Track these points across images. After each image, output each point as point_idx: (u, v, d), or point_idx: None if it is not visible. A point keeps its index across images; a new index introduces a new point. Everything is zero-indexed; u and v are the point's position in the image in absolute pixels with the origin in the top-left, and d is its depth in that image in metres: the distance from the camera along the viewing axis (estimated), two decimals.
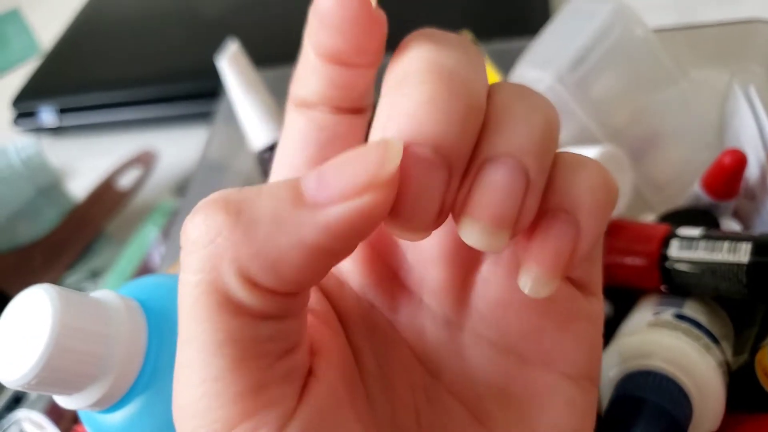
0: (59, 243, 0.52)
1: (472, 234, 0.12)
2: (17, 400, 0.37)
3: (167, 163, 0.58)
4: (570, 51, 0.33)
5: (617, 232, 0.29)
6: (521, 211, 0.13)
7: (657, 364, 0.24)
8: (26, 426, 0.33)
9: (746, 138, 0.32)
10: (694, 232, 0.27)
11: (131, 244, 0.50)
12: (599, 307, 0.16)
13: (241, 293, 0.12)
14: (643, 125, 0.35)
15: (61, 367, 0.19)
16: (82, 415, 0.23)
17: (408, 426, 0.15)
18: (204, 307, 0.12)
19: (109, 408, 0.21)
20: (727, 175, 0.30)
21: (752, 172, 0.31)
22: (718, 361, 0.25)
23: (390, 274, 0.16)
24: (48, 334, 0.19)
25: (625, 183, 0.32)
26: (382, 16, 0.13)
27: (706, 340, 0.25)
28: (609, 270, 0.27)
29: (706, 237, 0.26)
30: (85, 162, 0.61)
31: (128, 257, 0.49)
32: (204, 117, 0.54)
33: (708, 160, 0.31)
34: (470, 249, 0.15)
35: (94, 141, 0.64)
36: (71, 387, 0.20)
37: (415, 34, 0.14)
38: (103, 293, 0.22)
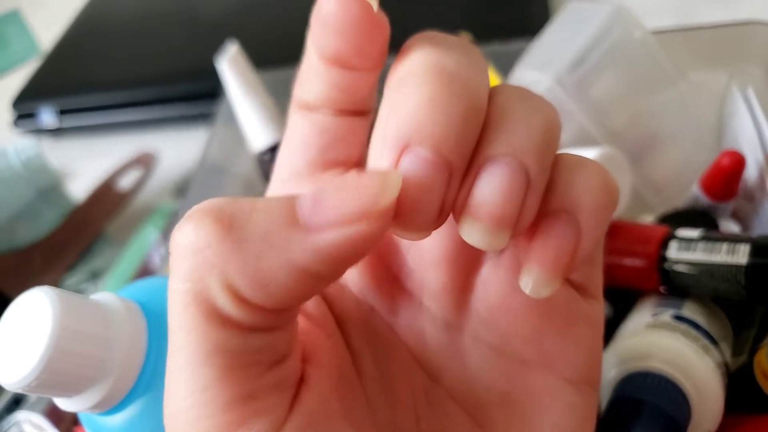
0: (59, 244, 0.52)
1: (472, 233, 0.12)
2: (17, 401, 0.37)
3: (167, 164, 0.58)
4: (569, 53, 0.33)
5: (616, 234, 0.29)
6: (522, 211, 0.13)
7: (656, 365, 0.24)
8: (26, 428, 0.33)
9: (744, 139, 0.32)
10: (693, 233, 0.27)
11: (131, 246, 0.50)
12: (600, 311, 0.16)
13: (228, 307, 0.12)
14: (641, 127, 0.35)
15: (61, 369, 0.19)
16: (82, 418, 0.23)
17: (408, 429, 0.15)
18: (192, 316, 0.12)
19: (109, 410, 0.21)
20: (726, 176, 0.30)
21: (750, 173, 0.31)
22: (716, 362, 0.25)
23: (390, 276, 0.16)
24: (48, 337, 0.19)
25: (624, 184, 0.32)
26: (384, 19, 0.13)
27: (705, 341, 0.25)
28: (608, 271, 0.27)
29: (704, 238, 0.26)
30: (85, 163, 0.61)
31: (128, 259, 0.49)
32: (204, 118, 0.54)
33: (706, 161, 0.31)
34: (471, 251, 0.15)
35: (94, 142, 0.64)
36: (71, 389, 0.20)
37: (417, 36, 0.14)
38: (103, 295, 0.22)
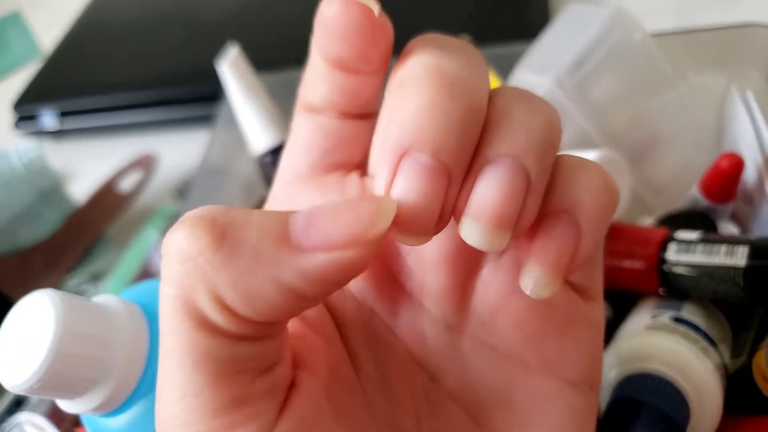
0: (60, 246, 0.52)
1: (473, 234, 0.13)
2: (18, 403, 0.37)
3: (168, 166, 0.58)
4: (569, 55, 0.33)
5: (616, 236, 0.29)
6: (522, 212, 0.13)
7: (655, 366, 0.24)
8: (27, 429, 0.33)
9: (743, 142, 0.32)
10: (692, 235, 0.27)
11: (132, 248, 0.50)
12: (600, 313, 0.16)
13: (216, 316, 0.12)
14: (641, 129, 0.35)
15: (63, 371, 0.19)
16: (84, 419, 0.23)
17: (409, 430, 0.15)
18: (182, 322, 0.12)
19: (111, 412, 0.21)
20: (725, 178, 0.30)
21: (749, 175, 0.31)
22: (715, 364, 0.25)
23: (390, 278, 0.16)
24: (50, 339, 0.19)
25: (623, 186, 0.32)
26: (386, 22, 0.13)
27: (704, 342, 0.25)
28: (607, 273, 0.27)
29: (703, 240, 0.26)
30: (86, 165, 0.61)
31: (129, 261, 0.49)
32: (205, 120, 0.55)
33: (706, 163, 0.31)
34: (471, 253, 0.15)
35: (95, 144, 0.64)
36: (73, 391, 0.20)
37: (417, 39, 0.14)
38: (104, 298, 0.22)
